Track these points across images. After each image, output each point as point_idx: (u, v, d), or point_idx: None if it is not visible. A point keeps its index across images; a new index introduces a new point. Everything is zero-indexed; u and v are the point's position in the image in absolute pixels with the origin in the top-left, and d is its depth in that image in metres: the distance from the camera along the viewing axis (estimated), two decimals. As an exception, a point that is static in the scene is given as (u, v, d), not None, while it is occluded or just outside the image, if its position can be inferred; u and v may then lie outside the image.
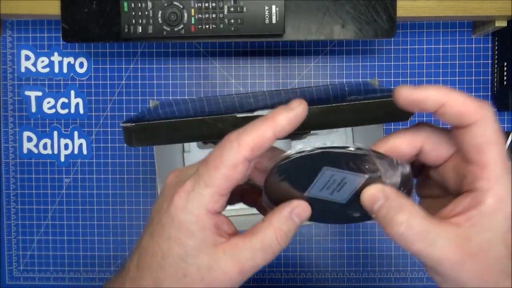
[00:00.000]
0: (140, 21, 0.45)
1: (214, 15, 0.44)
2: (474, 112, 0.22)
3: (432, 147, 0.25)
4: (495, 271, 0.23)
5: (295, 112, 0.24)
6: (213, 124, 0.30)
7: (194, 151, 0.54)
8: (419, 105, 0.23)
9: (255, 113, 0.30)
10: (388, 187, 0.24)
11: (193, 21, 0.45)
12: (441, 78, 0.56)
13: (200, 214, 0.24)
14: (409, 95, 0.23)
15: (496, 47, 0.55)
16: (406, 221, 0.23)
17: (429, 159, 0.25)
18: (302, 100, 0.24)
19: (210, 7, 0.44)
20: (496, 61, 0.55)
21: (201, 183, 0.24)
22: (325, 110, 0.32)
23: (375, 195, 0.24)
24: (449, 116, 0.23)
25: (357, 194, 0.25)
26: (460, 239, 0.22)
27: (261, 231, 0.25)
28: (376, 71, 0.56)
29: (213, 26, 0.45)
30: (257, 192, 0.28)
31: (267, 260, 0.25)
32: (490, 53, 0.56)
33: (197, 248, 0.24)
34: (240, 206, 0.54)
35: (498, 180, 0.22)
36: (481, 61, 0.56)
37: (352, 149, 0.24)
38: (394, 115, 0.31)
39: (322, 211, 0.26)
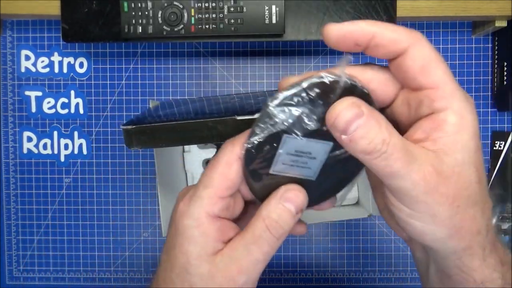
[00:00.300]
0: (140, 21, 0.45)
1: (214, 15, 0.44)
2: (407, 36, 0.22)
3: (378, 86, 0.24)
4: (464, 196, 0.22)
5: None
6: (213, 127, 0.30)
7: (194, 151, 0.54)
8: (350, 39, 0.22)
9: (256, 116, 0.30)
10: (359, 100, 0.22)
11: (193, 21, 0.45)
12: (441, 78, 0.56)
13: (201, 218, 0.24)
14: (339, 29, 0.22)
15: (496, 47, 0.55)
16: (389, 138, 0.21)
17: (378, 99, 0.24)
18: None
19: (210, 7, 0.44)
20: (496, 61, 0.55)
21: (200, 186, 0.24)
22: None
23: (351, 112, 0.21)
24: (382, 47, 0.22)
25: (328, 165, 0.24)
26: (434, 161, 0.21)
27: (251, 224, 0.24)
28: (376, 71, 0.56)
29: (213, 26, 0.45)
30: None
31: (265, 252, 0.24)
32: (490, 53, 0.56)
33: (198, 256, 0.24)
34: None
35: (454, 95, 0.22)
36: (481, 61, 0.56)
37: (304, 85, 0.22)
38: None
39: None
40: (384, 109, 0.25)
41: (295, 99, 0.22)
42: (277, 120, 0.22)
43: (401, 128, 0.24)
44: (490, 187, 0.56)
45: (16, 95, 0.57)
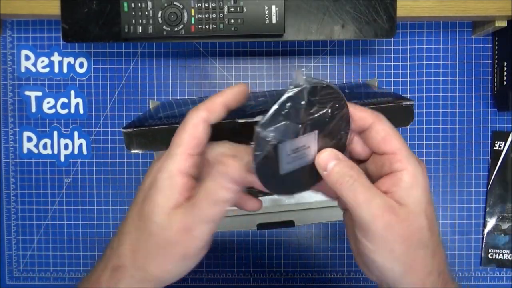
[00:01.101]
0: (140, 21, 0.45)
1: (214, 15, 0.44)
2: (371, 115, 0.29)
3: (359, 146, 0.31)
4: (416, 239, 0.27)
5: (237, 88, 0.30)
6: (213, 130, 0.30)
7: None
8: None
9: (256, 119, 0.30)
10: (337, 151, 0.29)
11: (193, 21, 0.45)
12: (441, 78, 0.56)
13: (172, 171, 0.28)
14: None
15: (496, 47, 0.55)
16: (356, 176, 0.27)
17: (359, 154, 0.31)
18: (245, 84, 0.31)
19: (210, 7, 0.44)
20: (496, 61, 0.55)
21: (173, 146, 0.29)
22: None
23: (330, 156, 0.28)
24: (354, 122, 0.29)
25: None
26: (391, 205, 0.27)
27: (202, 185, 0.28)
28: (376, 71, 0.56)
29: (213, 26, 0.45)
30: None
31: (211, 210, 0.27)
32: (490, 53, 0.56)
33: (162, 207, 0.27)
34: (229, 207, 0.54)
35: (408, 160, 0.28)
36: (481, 61, 0.56)
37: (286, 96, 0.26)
38: (395, 121, 0.31)
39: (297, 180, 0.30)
40: (362, 162, 0.32)
41: (277, 118, 0.26)
42: (269, 139, 0.26)
43: (373, 179, 0.30)
44: (490, 187, 0.56)
45: (16, 95, 0.57)
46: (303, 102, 0.26)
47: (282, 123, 0.26)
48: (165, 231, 0.27)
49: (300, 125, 0.27)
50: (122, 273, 0.28)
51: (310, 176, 0.30)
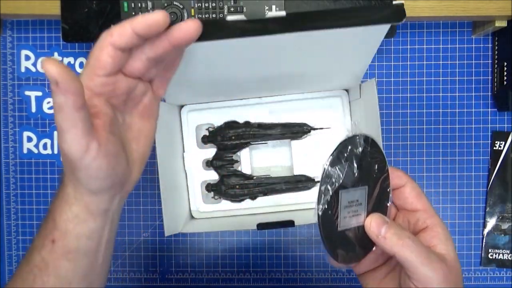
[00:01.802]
0: (140, 21, 0.45)
1: (214, 15, 0.44)
2: (405, 175, 0.34)
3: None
4: (459, 281, 0.32)
5: (152, 17, 0.27)
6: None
7: (194, 152, 0.54)
8: None
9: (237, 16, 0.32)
10: (383, 215, 0.32)
11: (193, 21, 0.44)
12: (441, 78, 0.56)
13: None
14: None
15: (496, 47, 0.55)
16: (413, 236, 0.30)
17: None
18: (164, 14, 0.27)
19: (210, 7, 0.44)
20: (496, 61, 0.55)
21: (86, 62, 0.29)
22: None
23: (380, 220, 0.31)
24: (392, 181, 0.33)
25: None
26: (443, 259, 0.31)
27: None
28: (376, 71, 0.56)
29: (213, 26, 0.44)
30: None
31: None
32: (490, 53, 0.56)
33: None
34: (228, 207, 0.54)
35: (437, 216, 0.33)
36: (481, 61, 0.56)
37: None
38: (387, 18, 0.32)
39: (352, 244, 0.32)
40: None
41: (340, 159, 0.29)
42: (333, 180, 0.29)
43: None
44: (490, 187, 0.56)
45: (16, 95, 0.57)
46: (359, 149, 0.30)
47: (345, 164, 0.29)
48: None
49: (357, 174, 0.30)
50: (65, 180, 0.31)
51: (360, 245, 0.32)
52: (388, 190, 0.32)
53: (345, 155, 0.29)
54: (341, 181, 0.29)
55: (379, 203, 0.32)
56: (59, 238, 0.31)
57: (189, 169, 0.54)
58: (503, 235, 0.56)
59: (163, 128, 0.47)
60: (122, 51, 0.28)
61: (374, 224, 0.31)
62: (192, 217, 0.54)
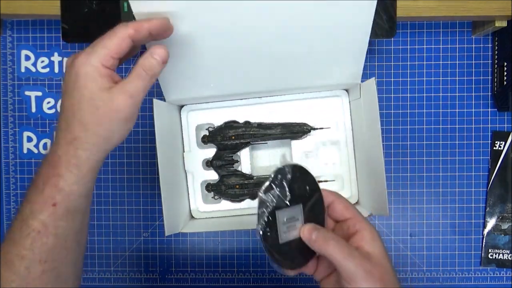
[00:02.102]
0: (140, 21, 0.45)
1: None
2: (331, 195, 0.38)
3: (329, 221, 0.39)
4: (387, 278, 0.34)
5: (162, 20, 0.36)
6: None
7: (194, 151, 0.54)
8: None
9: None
10: (315, 224, 0.36)
11: (193, 21, 0.44)
12: (441, 78, 0.56)
13: (98, 66, 0.34)
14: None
15: (496, 47, 0.55)
16: (337, 238, 0.34)
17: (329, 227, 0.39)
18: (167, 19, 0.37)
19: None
20: (496, 61, 0.55)
21: (98, 46, 0.34)
22: None
23: (311, 227, 0.36)
24: (325, 200, 0.38)
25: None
26: (365, 256, 0.34)
27: (133, 70, 0.36)
28: (376, 71, 0.56)
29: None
30: None
31: (144, 84, 0.36)
32: (490, 53, 0.56)
33: (99, 89, 0.34)
34: (228, 207, 0.54)
35: (365, 221, 0.36)
36: (481, 61, 0.56)
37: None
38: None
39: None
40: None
41: (272, 187, 0.35)
42: (268, 203, 0.35)
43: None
44: (490, 187, 0.56)
45: (16, 95, 0.57)
46: (289, 176, 0.35)
47: (277, 190, 0.35)
48: (111, 102, 0.35)
49: (289, 196, 0.35)
50: (78, 142, 0.35)
51: (301, 253, 0.36)
52: (322, 204, 0.37)
53: (276, 182, 0.35)
54: (274, 204, 0.35)
55: (315, 216, 0.37)
56: (62, 201, 0.35)
57: (189, 169, 0.54)
58: (503, 235, 0.56)
59: (163, 128, 0.47)
60: (134, 43, 0.35)
61: (306, 231, 0.35)
62: (192, 217, 0.54)
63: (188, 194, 0.54)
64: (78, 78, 0.34)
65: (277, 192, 0.35)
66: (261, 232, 0.35)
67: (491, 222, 0.56)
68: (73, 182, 0.35)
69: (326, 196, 0.38)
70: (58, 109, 0.57)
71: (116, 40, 0.34)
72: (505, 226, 0.56)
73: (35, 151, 0.57)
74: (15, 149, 0.58)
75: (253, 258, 0.58)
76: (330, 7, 0.40)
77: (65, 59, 0.57)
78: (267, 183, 0.35)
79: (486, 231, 0.56)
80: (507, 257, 0.56)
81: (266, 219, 0.35)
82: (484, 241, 0.56)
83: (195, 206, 0.54)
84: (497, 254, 0.56)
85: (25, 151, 0.57)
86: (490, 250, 0.56)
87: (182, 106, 0.54)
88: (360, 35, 0.43)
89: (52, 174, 0.34)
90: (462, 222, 0.57)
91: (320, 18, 0.41)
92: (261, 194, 0.35)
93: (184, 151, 0.54)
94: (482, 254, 0.56)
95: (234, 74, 0.47)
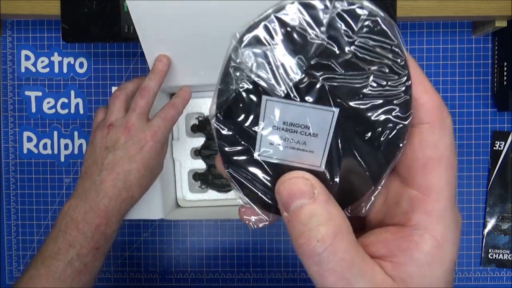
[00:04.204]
0: (140, 21, 0.45)
1: (214, 15, 0.44)
2: (433, 108, 0.17)
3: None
4: None
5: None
6: None
7: (183, 139, 0.54)
8: None
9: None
10: (315, 179, 0.18)
11: (193, 21, 0.44)
12: (441, 78, 0.56)
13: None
14: None
15: (496, 47, 0.55)
16: (331, 239, 0.16)
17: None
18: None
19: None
20: (496, 61, 0.55)
21: (135, 109, 0.44)
22: None
23: (300, 188, 0.17)
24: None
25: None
26: None
27: (163, 108, 0.45)
28: (376, 71, 0.56)
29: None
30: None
31: (169, 122, 0.45)
32: (490, 53, 0.56)
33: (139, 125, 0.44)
34: (214, 197, 0.55)
35: (443, 215, 0.17)
36: (481, 61, 0.56)
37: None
38: None
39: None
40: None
41: (268, 35, 0.16)
42: (246, 67, 0.16)
43: (371, 219, 0.20)
44: (490, 187, 0.56)
45: (16, 95, 0.57)
46: (323, 28, 0.16)
47: (285, 42, 0.16)
48: (159, 165, 0.45)
49: (306, 73, 0.16)
50: (133, 200, 0.43)
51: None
52: (405, 115, 0.17)
53: (288, 27, 0.16)
54: (264, 79, 0.16)
55: (371, 146, 0.17)
56: (103, 245, 0.41)
57: (177, 157, 0.54)
58: (503, 235, 0.56)
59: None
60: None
61: (285, 188, 0.18)
62: (178, 205, 0.55)
63: (175, 182, 0.54)
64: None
65: (281, 50, 0.16)
66: (216, 113, 0.17)
67: (491, 222, 0.56)
68: (115, 230, 0.42)
69: (421, 108, 0.17)
70: (58, 109, 0.57)
71: (147, 98, 0.45)
72: (505, 226, 0.56)
73: (35, 151, 0.57)
74: (15, 149, 0.58)
75: (253, 258, 0.58)
76: None
77: (65, 59, 0.57)
78: (262, 18, 0.16)
79: (486, 231, 0.56)
80: (507, 257, 0.56)
81: (234, 98, 0.17)
82: (484, 241, 0.56)
83: (181, 195, 0.54)
84: (497, 254, 0.56)
85: (25, 151, 0.57)
86: (490, 250, 0.56)
87: (172, 94, 0.54)
88: None
89: (101, 223, 0.40)
90: (462, 222, 0.57)
91: None
92: (235, 43, 0.16)
93: (173, 139, 0.54)
94: (482, 254, 0.56)
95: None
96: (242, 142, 0.18)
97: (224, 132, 0.18)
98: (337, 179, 0.18)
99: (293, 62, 0.16)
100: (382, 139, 0.17)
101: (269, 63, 0.16)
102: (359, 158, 0.17)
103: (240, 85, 0.16)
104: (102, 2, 0.46)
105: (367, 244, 0.18)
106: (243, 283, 0.58)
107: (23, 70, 0.57)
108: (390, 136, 0.17)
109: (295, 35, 0.16)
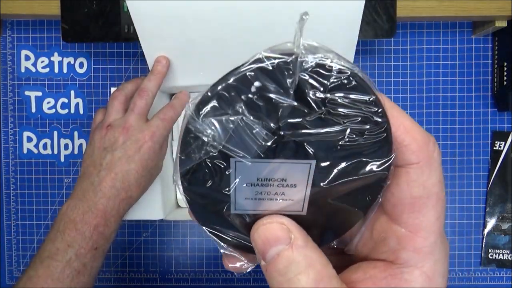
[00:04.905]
0: (140, 21, 0.45)
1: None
2: (419, 149, 0.16)
3: None
4: None
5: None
6: None
7: None
8: None
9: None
10: (292, 222, 0.17)
11: (193, 21, 0.44)
12: (441, 78, 0.56)
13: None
14: None
15: (496, 47, 0.55)
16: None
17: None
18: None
19: (210, 7, 0.44)
20: (496, 61, 0.55)
21: (134, 109, 0.44)
22: None
23: (275, 234, 0.16)
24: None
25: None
26: None
27: (162, 109, 0.45)
28: (376, 71, 0.56)
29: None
30: None
31: (167, 122, 0.45)
32: (490, 53, 0.56)
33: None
34: None
35: (431, 251, 0.17)
36: (481, 61, 0.56)
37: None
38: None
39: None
40: None
41: (235, 99, 0.15)
42: (211, 141, 0.15)
43: (354, 250, 0.19)
44: (490, 187, 0.56)
45: (16, 95, 0.57)
46: (289, 90, 0.15)
47: (247, 108, 0.15)
48: (157, 166, 0.45)
49: (276, 134, 0.15)
50: (132, 200, 0.43)
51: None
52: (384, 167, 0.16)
53: (253, 90, 0.15)
54: (228, 147, 0.16)
55: (349, 194, 0.17)
56: (102, 245, 0.41)
57: None
58: (503, 235, 0.56)
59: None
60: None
61: (259, 236, 0.17)
62: (178, 205, 0.55)
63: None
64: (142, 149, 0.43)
65: (246, 116, 0.15)
66: (183, 188, 0.17)
67: (491, 222, 0.56)
68: (113, 230, 0.42)
69: (406, 150, 0.16)
70: (58, 109, 0.57)
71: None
72: (505, 226, 0.56)
73: (35, 151, 0.57)
74: (15, 149, 0.58)
75: (253, 258, 0.58)
76: (319, 6, 0.40)
77: (65, 59, 0.57)
78: (222, 85, 0.15)
79: (486, 231, 0.56)
80: (507, 257, 0.56)
81: (197, 166, 0.16)
82: (484, 241, 0.56)
83: (181, 195, 0.54)
84: (497, 254, 0.56)
85: (25, 151, 0.57)
86: (490, 250, 0.56)
87: (172, 95, 0.54)
88: (348, 35, 0.43)
89: (100, 224, 0.40)
90: (462, 222, 0.57)
91: (309, 16, 0.41)
92: (189, 117, 0.16)
93: (173, 140, 0.54)
94: (482, 254, 0.56)
95: (224, 64, 0.47)
96: (215, 205, 0.17)
97: (193, 197, 0.17)
98: (321, 219, 0.18)
99: (260, 126, 0.15)
100: (364, 184, 0.17)
101: (234, 131, 0.15)
102: (342, 200, 0.17)
103: (204, 153, 0.16)
104: (102, 2, 0.46)
105: (354, 280, 0.17)
106: (243, 283, 0.58)
107: (23, 70, 0.57)
108: (371, 183, 0.17)
109: (259, 100, 0.15)
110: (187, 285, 0.58)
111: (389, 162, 0.16)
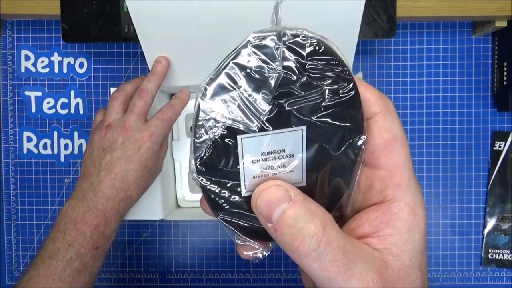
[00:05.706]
0: (140, 21, 0.45)
1: (214, 15, 0.44)
2: (378, 100, 0.20)
3: None
4: None
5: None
6: None
7: (183, 140, 0.54)
8: None
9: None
10: (287, 183, 0.19)
11: (193, 21, 0.44)
12: (441, 78, 0.56)
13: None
14: None
15: (496, 47, 0.55)
16: (322, 232, 0.18)
17: None
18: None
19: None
20: (496, 61, 0.55)
21: (133, 109, 0.44)
22: None
23: (276, 196, 0.18)
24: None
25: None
26: (379, 266, 0.18)
27: (161, 109, 0.45)
28: (376, 71, 0.56)
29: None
30: None
31: (166, 122, 0.44)
32: (490, 53, 0.56)
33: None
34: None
35: (409, 185, 0.19)
36: (481, 61, 0.56)
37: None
38: None
39: None
40: None
41: (234, 73, 0.18)
42: (221, 118, 0.18)
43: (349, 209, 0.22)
44: (490, 187, 0.56)
45: (16, 95, 0.57)
46: (277, 62, 0.18)
47: (247, 85, 0.17)
48: (157, 166, 0.45)
49: (272, 104, 0.18)
50: (132, 200, 0.43)
51: None
52: (357, 131, 0.19)
53: (247, 69, 0.18)
54: (237, 122, 0.18)
55: (339, 149, 0.19)
56: (102, 244, 0.41)
57: (177, 157, 0.54)
58: (503, 235, 0.56)
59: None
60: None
61: (263, 200, 0.18)
62: (178, 205, 0.55)
63: (175, 182, 0.54)
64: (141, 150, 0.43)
65: (246, 91, 0.18)
66: (197, 167, 0.19)
67: (491, 222, 0.56)
68: (114, 230, 0.42)
69: (368, 103, 0.19)
70: (58, 109, 0.57)
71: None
72: (505, 226, 0.56)
73: (35, 151, 0.57)
74: (15, 149, 0.58)
75: (253, 258, 0.58)
76: (318, 6, 0.40)
77: (65, 59, 0.57)
78: (220, 71, 0.18)
79: (486, 231, 0.56)
80: (507, 257, 0.56)
81: (211, 147, 0.18)
82: (484, 241, 0.56)
83: (181, 195, 0.54)
84: (497, 254, 0.56)
85: (25, 151, 0.57)
86: (490, 250, 0.56)
87: (172, 95, 0.54)
88: (348, 35, 0.43)
89: (100, 223, 0.41)
90: (462, 222, 0.57)
91: (308, 16, 0.41)
92: (200, 100, 0.18)
93: (173, 140, 0.54)
94: (482, 254, 0.56)
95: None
96: (228, 185, 0.19)
97: (207, 182, 0.19)
98: (318, 188, 0.20)
99: (259, 97, 0.18)
100: (348, 140, 0.20)
101: (238, 105, 0.18)
102: (332, 163, 0.20)
103: (215, 133, 0.18)
104: (102, 2, 0.46)
105: (352, 228, 0.20)
106: (243, 283, 0.58)
107: (23, 70, 0.57)
108: (353, 135, 0.19)
109: (255, 74, 0.18)
110: (187, 285, 0.58)
111: (361, 114, 0.19)
